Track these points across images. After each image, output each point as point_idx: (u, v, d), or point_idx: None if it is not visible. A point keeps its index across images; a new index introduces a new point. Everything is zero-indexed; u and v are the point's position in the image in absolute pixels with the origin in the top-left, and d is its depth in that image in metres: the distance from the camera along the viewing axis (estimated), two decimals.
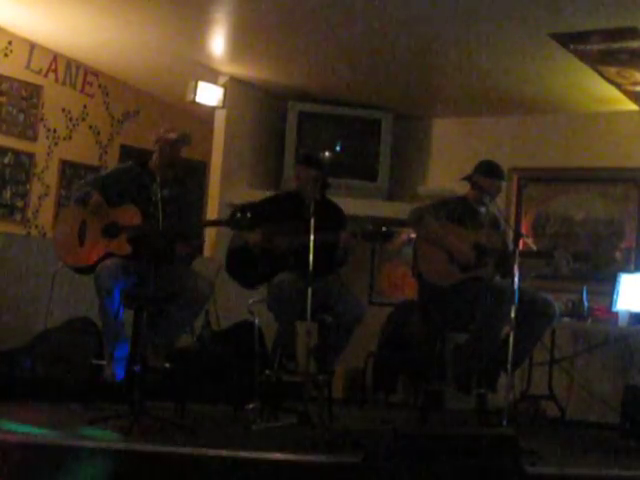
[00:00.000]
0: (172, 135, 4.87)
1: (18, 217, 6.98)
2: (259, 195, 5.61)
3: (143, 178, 4.89)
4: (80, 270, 4.84)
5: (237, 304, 5.34)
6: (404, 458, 3.34)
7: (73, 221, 4.86)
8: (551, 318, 5.22)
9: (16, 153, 6.94)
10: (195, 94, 6.72)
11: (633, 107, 6.41)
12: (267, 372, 4.97)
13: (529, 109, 6.81)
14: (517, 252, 4.81)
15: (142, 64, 7.07)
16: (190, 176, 5.57)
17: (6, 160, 6.88)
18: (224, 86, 6.89)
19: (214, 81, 6.86)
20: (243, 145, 7.11)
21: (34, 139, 7.04)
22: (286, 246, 5.01)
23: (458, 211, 5.31)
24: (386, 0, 5.25)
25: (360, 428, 5.09)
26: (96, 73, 7.40)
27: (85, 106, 7.37)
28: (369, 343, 6.46)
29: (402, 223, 5.28)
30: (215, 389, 5.37)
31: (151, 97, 7.67)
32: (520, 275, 4.73)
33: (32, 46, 6.93)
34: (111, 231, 4.74)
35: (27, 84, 6.98)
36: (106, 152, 7.52)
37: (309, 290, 4.59)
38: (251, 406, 4.93)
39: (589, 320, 5.96)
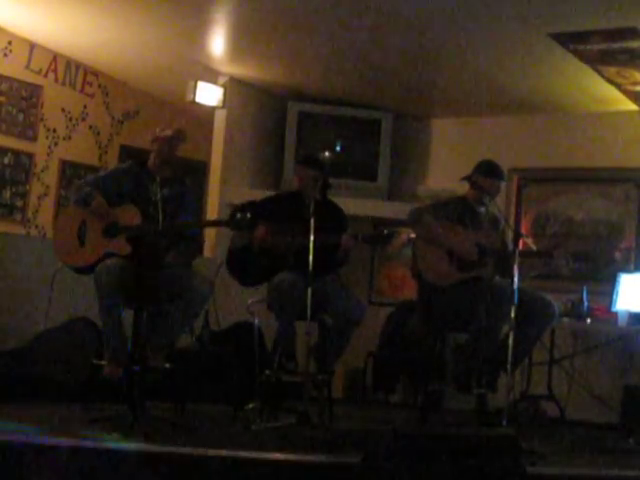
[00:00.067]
0: (167, 132, 4.88)
1: (18, 217, 6.98)
2: (259, 195, 5.60)
3: (142, 178, 4.89)
4: (80, 270, 4.84)
5: (237, 304, 5.34)
6: (404, 458, 3.34)
7: (73, 221, 4.86)
8: (551, 318, 5.22)
9: (16, 153, 6.94)
10: (195, 94, 6.72)
11: (633, 107, 6.41)
12: (267, 372, 4.97)
13: (529, 109, 6.81)
14: (517, 252, 4.81)
15: (142, 64, 7.07)
16: (189, 176, 5.57)
17: (6, 160, 6.88)
18: (224, 86, 6.89)
19: (214, 81, 6.86)
20: (243, 145, 7.11)
21: (34, 139, 7.04)
22: (286, 246, 5.02)
23: (458, 211, 5.32)
24: (386, 0, 5.25)
25: (360, 428, 5.09)
26: (96, 73, 7.40)
27: (85, 106, 7.37)
28: (369, 343, 6.47)
29: (402, 223, 5.28)
30: (215, 389, 5.37)
31: (151, 97, 7.67)
32: (520, 275, 4.73)
33: (32, 46, 6.93)
34: (111, 231, 4.74)
35: (27, 84, 6.98)
36: (106, 152, 7.53)
37: (309, 290, 4.59)
38: (251, 406, 4.94)
39: (589, 320, 5.96)
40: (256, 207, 5.11)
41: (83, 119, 7.37)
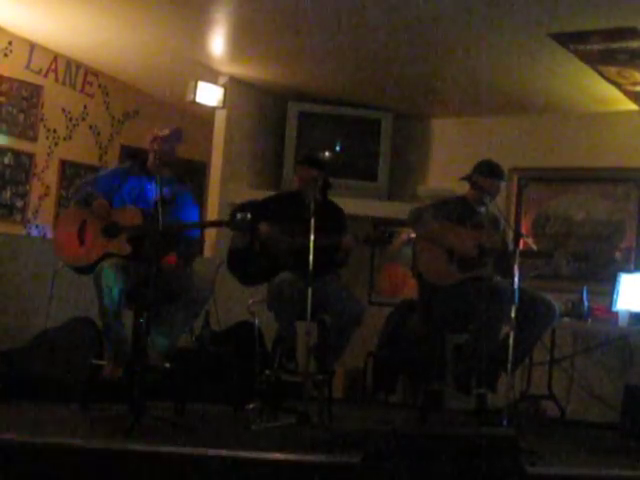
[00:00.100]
0: (165, 132, 4.88)
1: (18, 217, 6.98)
2: (259, 195, 5.60)
3: (142, 178, 4.89)
4: (80, 270, 4.85)
5: (237, 304, 5.34)
6: (404, 458, 3.34)
7: (73, 221, 4.87)
8: (551, 318, 5.22)
9: (16, 153, 6.94)
10: (195, 94, 6.71)
11: (633, 107, 6.41)
12: (267, 372, 4.97)
13: (529, 109, 6.81)
14: (517, 252, 4.81)
15: (142, 64, 7.07)
16: (188, 175, 5.57)
17: (6, 160, 6.88)
18: (224, 86, 6.89)
19: (214, 81, 6.86)
20: (243, 145, 7.11)
21: (34, 139, 7.05)
22: (287, 246, 5.02)
23: (458, 211, 5.32)
24: (386, 0, 5.25)
25: (360, 428, 5.09)
26: (96, 73, 7.40)
27: (85, 106, 7.38)
28: (369, 343, 6.46)
29: (402, 223, 5.29)
30: (215, 389, 5.37)
31: (151, 97, 7.67)
32: (520, 275, 4.73)
33: (32, 46, 6.93)
34: (111, 231, 4.75)
35: (27, 84, 6.98)
36: (106, 152, 7.53)
37: (309, 290, 4.59)
38: (251, 406, 4.94)
39: (589, 320, 5.96)
40: (256, 207, 5.12)
41: (83, 119, 7.37)
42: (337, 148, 7.14)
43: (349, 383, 6.79)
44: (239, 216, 4.64)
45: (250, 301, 5.09)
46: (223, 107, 6.91)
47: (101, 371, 4.72)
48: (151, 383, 4.46)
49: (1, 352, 5.26)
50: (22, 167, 6.98)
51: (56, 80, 7.15)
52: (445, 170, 7.04)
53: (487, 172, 5.29)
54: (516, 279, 4.67)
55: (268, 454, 3.82)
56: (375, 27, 5.63)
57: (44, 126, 7.10)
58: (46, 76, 7.08)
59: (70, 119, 7.27)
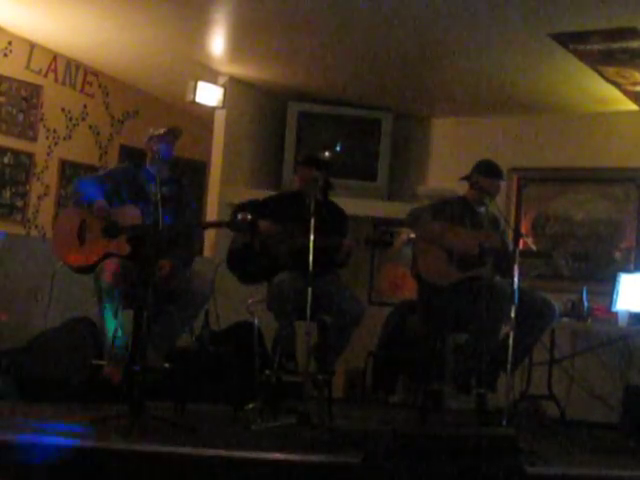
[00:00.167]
0: (161, 131, 4.88)
1: (18, 217, 6.98)
2: (259, 195, 5.60)
3: (140, 178, 4.89)
4: (79, 270, 4.84)
5: (237, 304, 5.34)
6: (404, 458, 3.34)
7: (73, 221, 4.86)
8: (551, 318, 5.22)
9: (16, 153, 6.93)
10: (195, 94, 6.71)
11: (633, 107, 6.41)
12: (267, 372, 4.97)
13: (529, 109, 6.81)
14: (517, 252, 4.81)
15: (142, 64, 7.07)
16: (188, 175, 5.57)
17: (6, 160, 6.88)
18: (224, 86, 6.89)
19: (214, 81, 6.86)
20: (243, 145, 7.11)
21: (34, 139, 7.04)
22: (287, 245, 5.02)
23: (457, 211, 5.32)
24: (386, 0, 5.25)
25: (360, 428, 5.09)
26: (96, 73, 7.39)
27: (85, 106, 7.37)
28: (369, 343, 6.46)
29: (401, 223, 5.29)
30: (215, 389, 5.37)
31: (151, 97, 7.66)
32: (520, 275, 4.73)
33: (32, 46, 6.93)
34: (111, 231, 4.74)
35: (27, 84, 6.97)
36: (106, 152, 7.52)
37: (309, 290, 4.59)
38: (251, 406, 4.94)
39: (589, 320, 5.96)
40: (257, 206, 5.12)
41: (83, 119, 7.37)
42: (337, 148, 7.13)
43: (349, 383, 6.80)
44: (239, 217, 4.64)
45: (250, 301, 5.09)
46: (223, 107, 6.91)
47: (101, 371, 4.72)
48: (151, 383, 4.46)
49: (1, 352, 5.26)
50: (22, 167, 6.98)
51: (56, 80, 7.15)
52: (445, 170, 7.04)
53: (486, 172, 5.29)
54: (516, 279, 4.67)
55: (268, 454, 3.82)
56: (375, 27, 5.63)
57: (44, 126, 7.10)
58: (46, 76, 7.08)
59: (70, 119, 7.26)
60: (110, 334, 4.69)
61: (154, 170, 4.79)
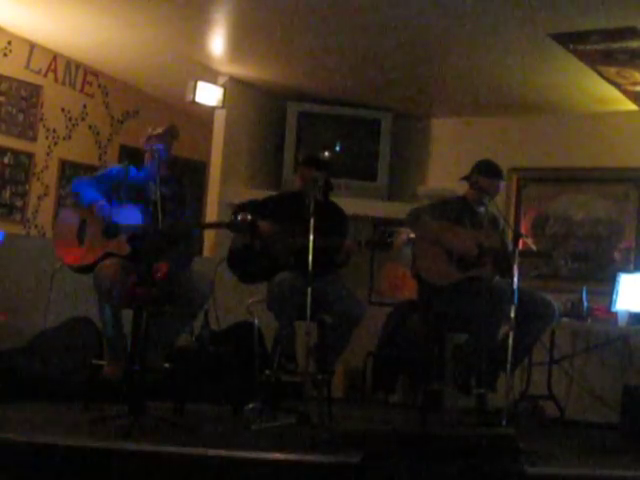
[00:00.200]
0: (158, 130, 4.87)
1: (17, 217, 6.98)
2: (259, 195, 5.60)
3: (139, 178, 4.88)
4: (79, 269, 4.84)
5: (237, 304, 5.34)
6: (404, 458, 3.35)
7: (73, 221, 4.86)
8: (550, 318, 5.22)
9: (16, 153, 6.94)
10: (195, 94, 6.71)
11: (633, 107, 6.41)
12: (267, 372, 4.97)
13: (529, 109, 6.81)
14: (517, 252, 4.81)
15: (142, 64, 7.07)
16: (187, 175, 5.56)
17: (6, 160, 6.88)
18: (224, 86, 6.89)
19: (214, 81, 6.86)
20: (243, 145, 7.11)
21: (34, 139, 7.04)
22: (287, 245, 5.02)
23: (457, 211, 5.32)
24: (386, 0, 5.25)
25: (360, 428, 5.09)
26: (96, 73, 7.40)
27: (85, 106, 7.38)
28: (369, 343, 6.46)
29: (401, 223, 5.29)
30: (215, 389, 5.37)
31: (151, 97, 7.67)
32: (520, 275, 4.73)
33: (32, 46, 6.93)
34: (111, 231, 4.74)
35: (27, 84, 6.97)
36: (106, 152, 7.53)
37: (309, 290, 4.59)
38: (251, 406, 4.94)
39: (589, 320, 5.96)
40: (257, 206, 5.13)
41: (83, 119, 7.37)
42: (337, 148, 7.14)
43: (349, 383, 6.79)
44: (239, 217, 4.64)
45: (250, 301, 5.09)
46: (223, 107, 6.91)
47: (101, 371, 4.72)
48: (151, 383, 4.46)
49: (1, 352, 5.26)
50: (21, 167, 6.98)
51: (56, 80, 7.15)
52: (445, 170, 7.04)
53: (486, 172, 5.29)
54: (516, 279, 4.67)
55: (268, 454, 3.82)
56: (375, 27, 5.63)
57: (43, 126, 7.10)
58: (46, 76, 7.08)
59: (70, 119, 7.27)
60: (110, 334, 4.69)
61: (153, 170, 4.79)
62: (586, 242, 6.61)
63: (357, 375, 6.68)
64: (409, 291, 6.46)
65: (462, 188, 5.43)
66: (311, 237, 4.62)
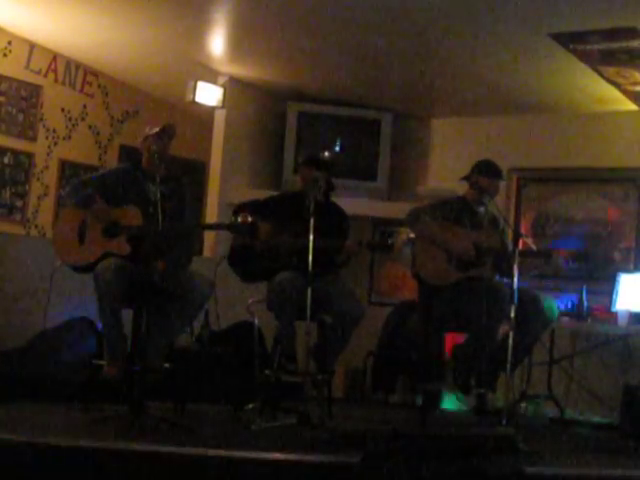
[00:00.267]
0: (155, 129, 4.87)
1: (17, 217, 6.98)
2: (258, 195, 5.60)
3: (138, 178, 4.88)
4: (79, 269, 4.84)
5: (237, 304, 5.34)
6: (404, 458, 3.35)
7: (73, 220, 4.86)
8: (550, 318, 5.22)
9: (15, 153, 6.94)
10: (194, 94, 6.71)
11: (633, 107, 6.41)
12: (267, 372, 4.97)
13: (529, 109, 6.81)
14: (517, 252, 4.81)
15: (142, 64, 7.07)
16: (186, 175, 5.56)
17: (5, 160, 6.88)
18: (223, 86, 6.89)
19: (213, 81, 6.86)
20: (243, 145, 7.11)
21: (33, 139, 7.04)
22: (287, 246, 5.02)
23: (456, 211, 5.32)
24: (386, 0, 5.25)
25: (360, 428, 5.08)
26: (96, 73, 7.40)
27: (85, 106, 7.38)
28: (369, 343, 6.46)
29: (401, 223, 5.29)
30: (215, 389, 5.37)
31: (151, 97, 7.67)
32: (520, 275, 4.73)
33: (32, 46, 6.93)
34: (111, 231, 4.74)
35: (27, 84, 6.98)
36: (105, 152, 7.53)
37: (309, 290, 4.59)
38: (251, 406, 4.93)
39: (589, 320, 5.96)
40: (258, 206, 5.13)
41: (83, 119, 7.37)
42: (337, 148, 7.14)
43: (349, 383, 6.80)
44: (239, 219, 4.63)
45: (250, 301, 5.09)
46: (222, 107, 6.91)
47: (101, 371, 4.72)
48: (151, 383, 4.46)
49: (1, 352, 5.26)
50: (21, 167, 6.98)
51: (56, 80, 7.15)
52: (445, 170, 7.04)
53: (486, 172, 5.30)
54: (516, 279, 4.67)
55: (268, 454, 3.81)
56: (375, 27, 5.63)
57: (43, 126, 7.10)
58: (46, 76, 7.08)
59: (69, 119, 7.27)
60: (110, 334, 4.69)
61: (151, 169, 4.79)
62: (586, 242, 6.62)
63: (357, 375, 6.69)
64: (409, 291, 6.47)
65: (462, 188, 5.44)
66: (311, 237, 4.62)
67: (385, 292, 7.27)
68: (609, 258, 6.51)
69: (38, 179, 7.08)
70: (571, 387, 6.12)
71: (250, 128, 7.14)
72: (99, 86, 7.45)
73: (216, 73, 6.90)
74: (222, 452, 3.79)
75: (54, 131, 7.17)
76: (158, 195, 4.52)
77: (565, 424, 5.69)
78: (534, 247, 5.85)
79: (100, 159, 7.48)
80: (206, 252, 6.76)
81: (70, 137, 7.28)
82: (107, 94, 7.50)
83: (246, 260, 5.09)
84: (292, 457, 3.80)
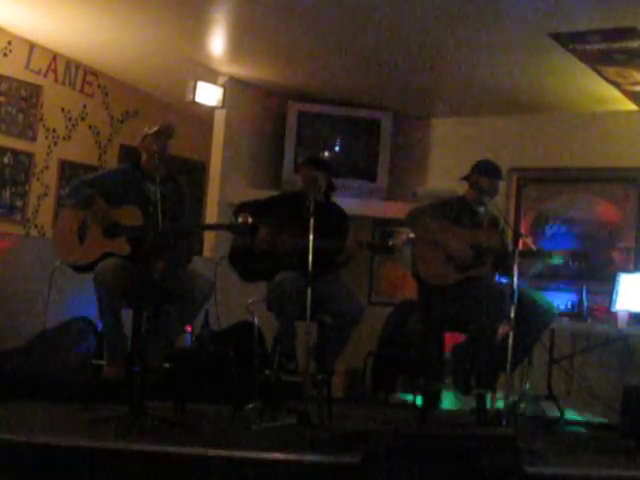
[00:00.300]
0: (153, 129, 4.87)
1: (17, 217, 6.98)
2: (258, 195, 5.60)
3: (138, 178, 4.88)
4: (79, 268, 4.84)
5: (237, 304, 5.34)
6: (404, 458, 3.34)
7: (73, 220, 4.85)
8: (550, 318, 5.22)
9: (15, 153, 6.94)
10: (194, 94, 6.71)
11: (633, 107, 6.42)
12: (267, 372, 4.97)
13: (529, 109, 6.81)
14: (517, 252, 4.81)
15: (142, 64, 7.07)
16: (186, 175, 5.56)
17: (5, 160, 6.88)
18: (223, 86, 6.89)
19: (213, 81, 6.86)
20: (243, 145, 7.11)
21: (33, 139, 7.04)
22: (287, 246, 5.02)
23: (457, 211, 5.32)
24: (386, 0, 5.25)
25: (360, 428, 5.08)
26: (96, 73, 7.40)
27: (85, 106, 7.38)
28: (369, 343, 6.46)
29: (401, 223, 5.29)
30: (215, 389, 5.37)
31: (151, 97, 7.67)
32: (519, 275, 4.73)
33: (32, 46, 6.93)
34: (112, 231, 4.74)
35: (27, 84, 6.98)
36: (105, 152, 7.53)
37: (309, 290, 4.59)
38: (251, 406, 4.93)
39: (589, 320, 5.96)
40: (259, 206, 5.13)
41: (83, 119, 7.37)
42: (337, 148, 7.14)
43: (349, 383, 6.80)
44: (240, 219, 4.63)
45: (249, 301, 5.09)
46: (222, 107, 6.91)
47: (101, 371, 4.72)
48: (151, 383, 4.46)
49: (1, 352, 5.26)
50: (21, 167, 6.98)
51: (55, 80, 7.15)
52: (445, 170, 7.04)
53: (485, 172, 5.29)
54: (516, 279, 4.67)
55: (268, 454, 3.82)
56: (375, 27, 5.63)
57: (43, 126, 7.10)
58: (45, 76, 7.08)
59: (69, 119, 7.27)
60: (110, 334, 4.68)
61: (150, 169, 4.79)
62: (586, 242, 6.62)
63: (357, 375, 6.68)
64: (409, 291, 6.47)
65: (462, 188, 5.43)
66: (311, 237, 4.62)
67: (385, 292, 7.27)
68: (609, 258, 6.52)
69: (38, 179, 7.08)
70: (571, 387, 6.12)
71: (250, 128, 7.15)
72: (99, 86, 7.45)
73: (216, 73, 6.90)
74: (222, 452, 3.79)
75: (54, 131, 7.17)
76: (158, 195, 4.52)
77: (565, 424, 5.69)
78: (534, 247, 5.85)
79: (100, 159, 7.48)
80: (206, 252, 6.76)
81: (70, 137, 7.28)
82: (107, 94, 7.51)
83: (246, 259, 5.09)
84: (292, 457, 3.80)
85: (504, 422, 4.57)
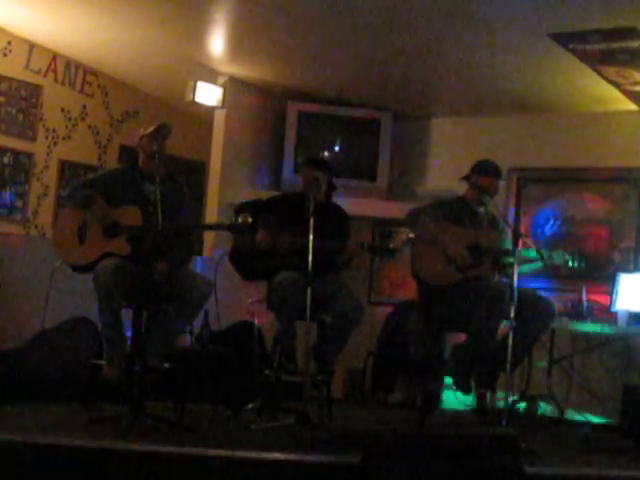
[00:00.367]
0: (150, 129, 4.87)
1: (18, 217, 6.98)
2: (258, 195, 5.61)
3: (136, 178, 4.88)
4: (79, 268, 4.84)
5: (237, 304, 5.34)
6: (404, 458, 3.35)
7: (73, 220, 4.86)
8: (549, 318, 5.22)
9: (15, 153, 6.94)
10: (194, 94, 6.71)
11: (633, 107, 6.41)
12: (267, 372, 4.97)
13: (529, 109, 6.81)
14: (516, 252, 4.81)
15: (142, 64, 7.07)
16: (186, 175, 5.56)
17: (5, 160, 6.88)
18: (223, 86, 6.89)
19: (213, 81, 6.86)
20: (242, 145, 7.11)
21: (33, 139, 7.04)
22: (288, 246, 5.02)
23: (456, 211, 5.32)
24: (386, 0, 5.25)
25: (360, 428, 5.09)
26: (95, 73, 7.40)
27: (84, 106, 7.38)
28: (369, 343, 6.46)
29: (401, 223, 5.29)
30: (215, 389, 5.37)
31: (151, 97, 7.67)
32: (519, 275, 4.73)
33: (31, 46, 6.93)
34: (112, 231, 4.74)
35: (26, 84, 6.97)
36: (105, 152, 7.53)
37: (309, 290, 4.59)
38: (251, 406, 4.93)
39: (589, 320, 5.96)
40: (260, 206, 5.13)
41: (82, 119, 7.37)
42: (337, 148, 7.14)
43: (349, 383, 6.79)
44: (240, 220, 4.63)
45: (250, 301, 5.09)
46: (222, 107, 6.91)
47: (101, 371, 4.72)
48: (151, 383, 4.46)
49: (1, 352, 5.26)
50: (21, 167, 6.98)
51: (55, 80, 7.15)
52: (445, 170, 7.04)
53: (485, 171, 5.29)
54: (515, 279, 4.67)
55: (268, 454, 3.82)
56: (375, 27, 5.63)
57: (43, 126, 7.10)
58: (45, 76, 7.08)
59: (69, 119, 7.27)
60: (110, 334, 4.68)
61: (148, 169, 4.79)
62: (586, 242, 6.62)
63: (357, 375, 6.68)
64: (409, 291, 6.47)
65: (462, 188, 5.43)
66: (310, 237, 4.62)
67: (385, 292, 7.27)
68: (609, 258, 6.52)
69: (38, 179, 7.08)
70: (571, 387, 6.12)
71: (250, 128, 7.15)
72: (99, 86, 7.45)
73: (216, 73, 6.90)
74: (222, 452, 3.80)
75: (54, 131, 7.17)
76: (158, 195, 4.52)
77: (565, 424, 5.70)
78: (533, 247, 5.85)
79: (100, 159, 7.48)
80: (206, 252, 6.76)
81: (70, 137, 7.28)
82: (107, 94, 7.51)
83: (247, 258, 5.09)
84: (292, 457, 3.80)
85: (504, 422, 4.57)
